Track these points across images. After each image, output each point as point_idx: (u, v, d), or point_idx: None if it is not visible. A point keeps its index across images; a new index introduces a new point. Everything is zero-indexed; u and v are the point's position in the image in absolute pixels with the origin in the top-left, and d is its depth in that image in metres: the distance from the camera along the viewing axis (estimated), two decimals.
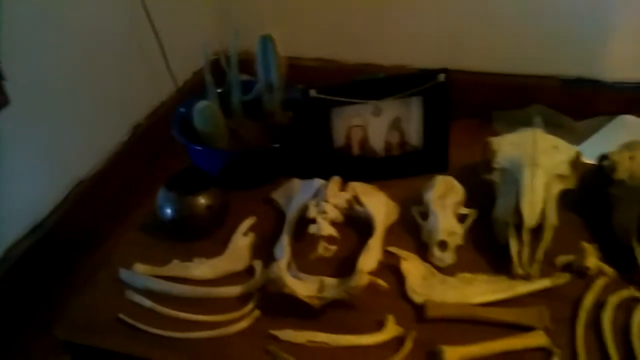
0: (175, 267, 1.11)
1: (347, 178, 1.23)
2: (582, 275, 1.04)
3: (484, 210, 1.15)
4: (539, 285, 1.02)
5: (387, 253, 1.08)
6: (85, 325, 1.03)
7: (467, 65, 2.16)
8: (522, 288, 1.01)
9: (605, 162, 1.16)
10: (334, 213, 1.11)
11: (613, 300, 0.98)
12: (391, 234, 1.15)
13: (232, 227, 1.18)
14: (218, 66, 1.34)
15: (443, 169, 1.27)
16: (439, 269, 1.07)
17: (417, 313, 1.00)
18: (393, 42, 2.24)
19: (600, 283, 1.02)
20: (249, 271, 1.10)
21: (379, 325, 0.97)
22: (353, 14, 2.22)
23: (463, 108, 2.04)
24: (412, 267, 1.06)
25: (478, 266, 1.08)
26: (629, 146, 1.16)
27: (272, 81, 1.30)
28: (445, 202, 1.13)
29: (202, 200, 1.15)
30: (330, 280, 1.02)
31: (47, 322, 1.46)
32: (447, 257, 1.08)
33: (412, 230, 1.16)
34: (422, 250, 1.11)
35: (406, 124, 1.27)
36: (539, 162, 1.10)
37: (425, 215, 1.15)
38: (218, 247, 1.15)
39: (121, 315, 1.01)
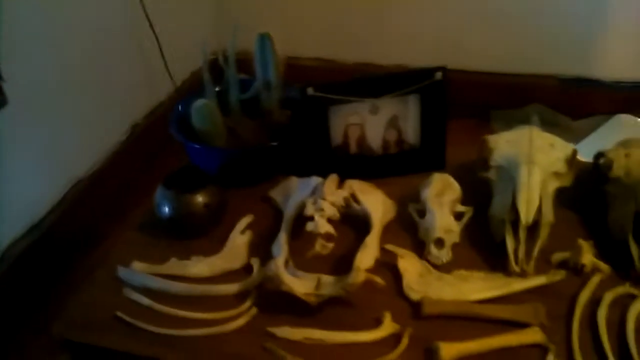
0: (173, 265, 1.11)
1: (344, 176, 1.23)
2: (577, 272, 1.04)
3: (480, 208, 1.15)
4: (535, 282, 1.02)
5: (384, 251, 1.09)
6: (83, 323, 1.03)
7: (465, 65, 2.16)
8: (518, 285, 1.02)
9: (601, 160, 1.17)
10: (331, 210, 1.11)
11: (609, 296, 0.98)
12: (388, 232, 1.15)
13: (230, 225, 1.19)
14: (216, 66, 1.35)
15: (440, 167, 1.27)
16: (436, 267, 1.07)
17: (414, 310, 1.00)
18: (392, 42, 2.24)
19: (595, 280, 1.02)
20: (247, 269, 1.10)
21: (376, 323, 0.97)
22: (352, 14, 2.22)
23: (461, 107, 2.04)
24: (408, 265, 1.07)
25: (474, 263, 1.08)
26: (624, 144, 1.16)
27: (270, 79, 1.31)
28: (442, 200, 1.13)
29: (199, 199, 1.16)
30: (327, 278, 1.02)
31: (44, 322, 1.45)
32: (443, 255, 1.08)
33: (409, 228, 1.16)
34: (419, 248, 1.11)
35: (403, 122, 1.28)
36: (535, 160, 1.10)
37: (422, 213, 1.15)
38: (216, 245, 1.15)
39: (119, 313, 1.01)
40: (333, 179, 1.21)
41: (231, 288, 1.06)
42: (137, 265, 1.11)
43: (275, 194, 1.25)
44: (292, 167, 1.30)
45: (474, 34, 2.14)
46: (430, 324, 0.97)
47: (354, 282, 0.97)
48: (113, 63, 1.86)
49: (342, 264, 1.07)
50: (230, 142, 1.30)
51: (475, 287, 1.02)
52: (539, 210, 1.06)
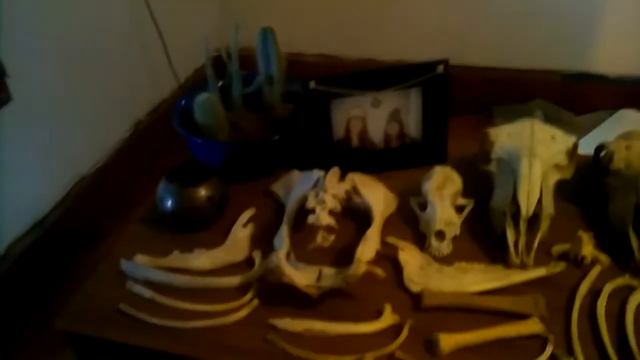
0: (176, 258, 1.11)
1: (346, 169, 1.23)
2: (578, 264, 1.04)
3: (481, 201, 1.16)
4: (535, 274, 1.02)
5: (385, 243, 1.09)
6: (86, 315, 1.03)
7: (468, 61, 2.17)
8: (518, 277, 1.02)
9: (602, 152, 1.17)
10: (332, 203, 1.11)
11: (608, 288, 0.99)
12: (389, 225, 1.15)
13: (232, 218, 1.19)
14: (219, 63, 1.35)
15: (442, 161, 1.27)
16: (436, 259, 1.08)
17: (414, 302, 1.00)
18: (394, 38, 2.24)
19: (595, 271, 1.02)
20: (249, 262, 1.11)
21: (377, 314, 0.98)
22: (354, 10, 2.23)
23: (464, 103, 2.04)
24: (409, 257, 1.07)
25: (475, 256, 1.08)
26: (625, 136, 1.17)
27: (273, 74, 1.31)
28: (443, 193, 1.14)
29: (202, 192, 1.16)
30: (328, 270, 1.02)
31: (47, 319, 1.47)
32: (444, 247, 1.08)
33: (410, 221, 1.17)
34: (420, 242, 1.11)
35: (405, 116, 1.28)
36: (536, 153, 1.10)
37: (423, 206, 1.15)
38: (218, 238, 1.15)
39: (122, 306, 1.02)
40: (335, 172, 1.21)
41: (233, 280, 1.06)
42: (140, 258, 1.11)
43: (277, 187, 1.26)
44: (294, 161, 1.30)
45: (477, 30, 2.15)
46: (430, 315, 0.98)
47: (354, 274, 0.97)
48: (116, 60, 1.87)
49: (343, 256, 1.07)
50: (232, 136, 1.31)
51: (475, 279, 1.02)
52: (540, 202, 1.06)
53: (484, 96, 2.19)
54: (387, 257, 1.07)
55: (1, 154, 1.47)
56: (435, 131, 1.30)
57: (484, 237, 1.12)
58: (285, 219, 1.13)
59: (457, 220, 1.12)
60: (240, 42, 1.32)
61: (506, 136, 1.17)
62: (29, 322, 1.52)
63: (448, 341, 0.91)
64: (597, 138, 1.27)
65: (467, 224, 1.14)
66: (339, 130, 1.28)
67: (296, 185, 1.22)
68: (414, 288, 1.02)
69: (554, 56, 2.13)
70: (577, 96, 2.14)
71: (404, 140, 1.31)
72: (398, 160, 1.31)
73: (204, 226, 1.19)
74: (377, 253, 1.04)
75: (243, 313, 1.00)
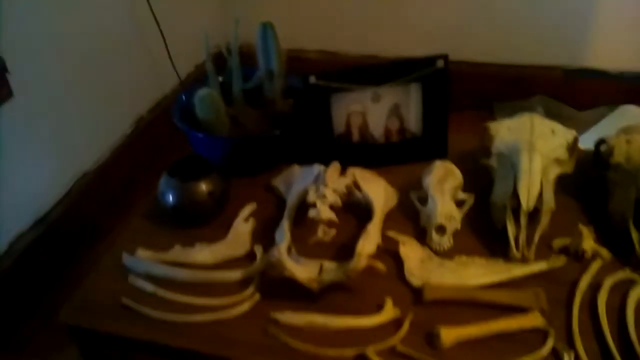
0: (178, 253, 1.12)
1: (347, 164, 1.23)
2: (578, 257, 1.05)
3: (482, 195, 1.16)
4: (536, 267, 1.02)
5: (385, 237, 1.09)
6: (88, 309, 1.04)
7: (469, 56, 2.17)
8: (519, 271, 1.02)
9: (603, 146, 1.17)
10: (333, 198, 1.12)
11: (609, 282, 0.99)
12: (390, 220, 1.15)
13: (233, 213, 1.19)
14: (220, 58, 1.35)
15: (442, 156, 1.27)
16: (437, 253, 1.08)
17: (415, 295, 1.01)
18: (395, 34, 2.25)
19: (596, 265, 1.03)
20: (250, 256, 1.11)
21: (378, 308, 0.98)
22: (355, 6, 2.23)
23: (464, 99, 2.05)
24: (410, 251, 1.07)
25: (475, 249, 1.09)
26: (626, 130, 1.17)
27: (273, 69, 1.31)
28: (444, 187, 1.14)
29: (203, 187, 1.16)
30: (329, 264, 1.02)
31: (50, 316, 1.47)
32: (445, 241, 1.08)
33: (410, 216, 1.17)
34: (421, 236, 1.12)
35: (405, 110, 1.28)
36: (536, 147, 1.11)
37: (423, 200, 1.16)
38: (219, 232, 1.16)
39: (124, 300, 1.02)
40: (335, 166, 1.21)
41: (234, 275, 1.07)
42: (142, 252, 1.12)
43: (278, 182, 1.26)
44: (294, 156, 1.31)
45: (478, 26, 2.15)
46: (431, 309, 0.98)
47: (355, 268, 0.97)
48: (118, 56, 1.88)
49: (344, 250, 1.08)
50: (233, 131, 1.31)
51: (476, 273, 1.03)
52: (540, 196, 1.06)
53: (484, 92, 2.19)
54: (388, 251, 1.07)
55: (3, 150, 1.48)
56: (435, 126, 1.30)
57: (485, 231, 1.12)
58: (286, 213, 1.14)
59: (457, 214, 1.12)
60: (240, 37, 1.32)
61: (506, 130, 1.17)
62: (31, 318, 1.52)
63: (449, 335, 0.91)
64: (599, 134, 1.27)
65: (468, 218, 1.15)
66: (339, 125, 1.29)
67: (297, 179, 1.22)
68: (415, 282, 1.02)
69: (555, 52, 2.13)
70: (578, 92, 2.14)
71: (404, 135, 1.31)
72: (398, 155, 1.31)
73: (205, 221, 1.19)
74: (378, 247, 1.04)
75: (245, 307, 1.01)
